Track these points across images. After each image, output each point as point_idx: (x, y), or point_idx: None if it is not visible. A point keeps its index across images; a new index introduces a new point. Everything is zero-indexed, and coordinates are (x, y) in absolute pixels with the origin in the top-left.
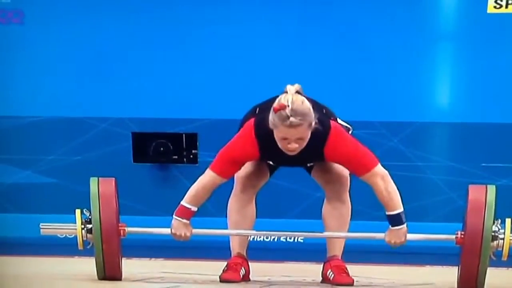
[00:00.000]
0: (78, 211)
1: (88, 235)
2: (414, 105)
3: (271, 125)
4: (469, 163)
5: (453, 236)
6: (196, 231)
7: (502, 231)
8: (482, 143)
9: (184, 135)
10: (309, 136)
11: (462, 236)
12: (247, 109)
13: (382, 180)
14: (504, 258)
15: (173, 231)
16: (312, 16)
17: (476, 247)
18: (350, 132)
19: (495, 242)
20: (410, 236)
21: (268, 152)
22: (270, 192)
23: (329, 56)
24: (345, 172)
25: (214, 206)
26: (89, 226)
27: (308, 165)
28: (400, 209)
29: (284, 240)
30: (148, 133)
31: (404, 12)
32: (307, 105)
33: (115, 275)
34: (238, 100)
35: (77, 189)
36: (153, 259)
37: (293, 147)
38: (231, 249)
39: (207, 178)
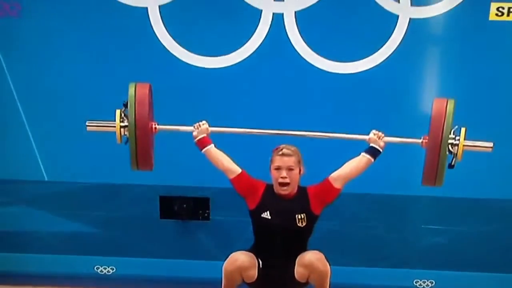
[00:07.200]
0: (118, 111)
1: (125, 130)
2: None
3: (271, 164)
4: None
5: (420, 140)
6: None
7: (458, 137)
8: None
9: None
10: (298, 178)
11: (426, 140)
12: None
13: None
14: (459, 158)
15: (195, 126)
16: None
17: (436, 148)
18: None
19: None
20: (386, 139)
21: (267, 198)
22: None
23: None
24: (327, 267)
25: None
26: (127, 123)
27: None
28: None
29: None
30: (172, 196)
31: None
32: (297, 149)
33: (147, 166)
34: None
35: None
36: None
37: (283, 175)
38: None
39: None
